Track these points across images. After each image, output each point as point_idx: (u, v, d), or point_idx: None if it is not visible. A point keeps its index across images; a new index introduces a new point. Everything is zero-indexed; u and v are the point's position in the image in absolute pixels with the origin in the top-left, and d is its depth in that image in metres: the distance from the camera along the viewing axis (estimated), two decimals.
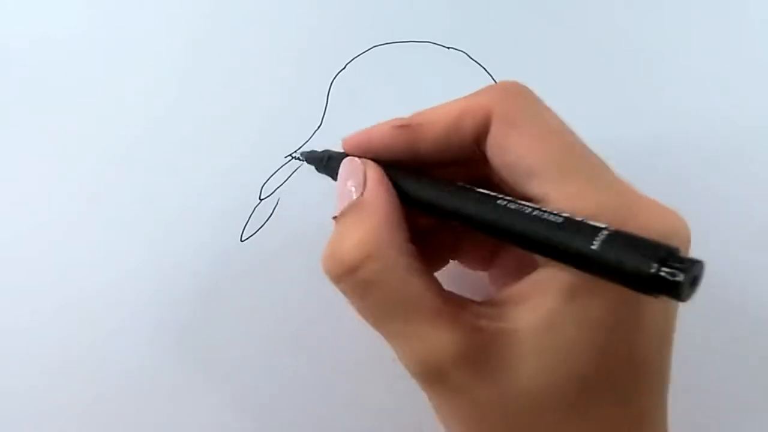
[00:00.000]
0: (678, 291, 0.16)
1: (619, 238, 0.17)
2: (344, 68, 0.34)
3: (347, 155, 0.24)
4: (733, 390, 0.32)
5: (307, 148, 0.34)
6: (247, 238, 0.33)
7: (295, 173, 0.33)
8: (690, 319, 0.24)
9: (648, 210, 0.20)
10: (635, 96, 0.35)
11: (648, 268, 0.16)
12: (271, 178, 0.33)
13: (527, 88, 0.23)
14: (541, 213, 0.19)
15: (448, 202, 0.21)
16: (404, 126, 0.22)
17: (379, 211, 0.21)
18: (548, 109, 0.22)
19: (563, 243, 0.18)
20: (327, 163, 0.26)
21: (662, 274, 0.16)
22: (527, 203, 0.20)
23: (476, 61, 0.34)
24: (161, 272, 0.32)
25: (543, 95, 0.34)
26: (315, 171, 0.27)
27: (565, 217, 0.18)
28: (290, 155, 0.33)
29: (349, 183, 0.22)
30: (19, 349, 0.31)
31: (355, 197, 0.22)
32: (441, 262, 0.28)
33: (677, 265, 0.16)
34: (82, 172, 0.33)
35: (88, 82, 0.34)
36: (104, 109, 0.34)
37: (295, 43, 0.34)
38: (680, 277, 0.16)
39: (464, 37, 0.34)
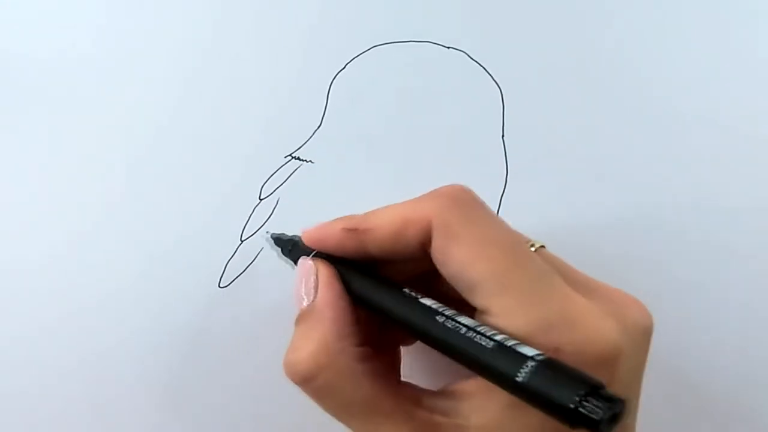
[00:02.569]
0: (597, 427, 0.17)
1: (544, 369, 0.18)
2: (344, 68, 0.34)
3: (307, 248, 0.25)
4: None
5: (307, 148, 0.34)
6: (247, 238, 0.33)
7: (295, 173, 0.33)
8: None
9: (588, 323, 0.20)
10: (635, 96, 0.35)
11: (568, 403, 0.17)
12: (271, 178, 0.33)
13: (469, 194, 0.23)
14: (474, 335, 0.20)
15: (392, 311, 0.22)
16: (352, 230, 0.23)
17: (329, 319, 0.22)
18: (489, 217, 0.23)
19: (492, 369, 0.19)
20: (290, 251, 0.26)
21: (582, 410, 0.17)
22: (464, 322, 0.20)
23: (476, 61, 0.34)
24: (162, 272, 0.32)
25: (543, 95, 0.34)
26: (280, 253, 0.28)
27: (496, 342, 0.19)
28: (290, 155, 0.33)
29: (302, 288, 0.24)
30: (18, 356, 0.31)
31: (306, 304, 0.23)
32: (409, 340, 0.28)
33: (595, 403, 0.17)
34: (82, 173, 0.33)
35: (88, 82, 0.34)
36: (104, 109, 0.34)
37: (295, 43, 0.34)
38: (598, 415, 0.17)
39: (464, 37, 0.34)
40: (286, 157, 0.33)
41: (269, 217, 0.33)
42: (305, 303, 0.23)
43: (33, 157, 0.33)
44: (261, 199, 0.33)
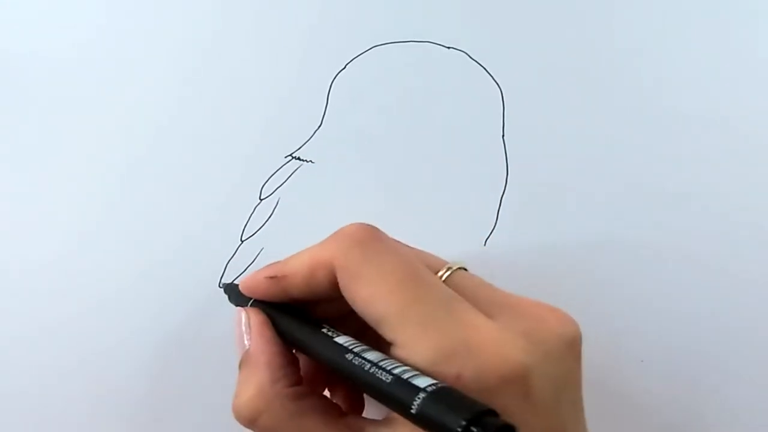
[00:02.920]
0: None
1: (434, 399, 0.19)
2: (344, 68, 0.34)
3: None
4: None
5: (307, 148, 0.34)
6: (247, 238, 0.33)
7: (295, 173, 0.33)
8: None
9: (488, 347, 0.21)
10: (635, 96, 0.35)
11: (456, 429, 0.18)
12: (271, 178, 0.33)
13: (369, 231, 0.24)
14: (377, 370, 0.21)
15: (313, 351, 0.24)
16: (272, 278, 0.25)
17: (262, 365, 0.24)
18: (389, 251, 0.23)
19: (391, 401, 0.20)
20: (235, 298, 0.28)
21: None
22: (369, 357, 0.22)
23: (476, 61, 0.34)
24: (162, 272, 0.32)
25: (543, 95, 0.34)
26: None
27: (394, 376, 0.20)
28: (290, 155, 0.33)
29: (239, 335, 0.26)
30: (18, 356, 0.31)
31: (242, 352, 0.25)
32: None
33: (479, 429, 0.18)
34: (82, 173, 0.33)
35: (88, 82, 0.34)
36: (104, 109, 0.34)
37: (296, 43, 0.34)
38: None
39: (464, 37, 0.34)
40: (286, 157, 0.33)
41: (269, 217, 0.33)
42: (241, 350, 0.25)
43: (33, 157, 0.33)
44: (261, 199, 0.33)
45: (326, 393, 0.27)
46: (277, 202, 0.33)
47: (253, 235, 0.33)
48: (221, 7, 0.34)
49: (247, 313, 0.26)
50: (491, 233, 0.33)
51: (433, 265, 0.25)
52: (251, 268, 0.32)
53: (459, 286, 0.24)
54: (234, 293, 0.28)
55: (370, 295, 0.22)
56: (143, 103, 0.34)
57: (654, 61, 0.35)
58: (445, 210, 0.34)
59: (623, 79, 0.35)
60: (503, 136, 0.34)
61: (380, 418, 0.23)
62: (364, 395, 0.28)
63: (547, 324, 0.23)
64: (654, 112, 0.34)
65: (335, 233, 0.24)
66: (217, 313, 0.32)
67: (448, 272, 0.25)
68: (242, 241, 0.33)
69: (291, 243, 0.33)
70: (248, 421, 0.23)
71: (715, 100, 0.34)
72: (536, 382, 0.21)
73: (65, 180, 0.33)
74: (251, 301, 0.26)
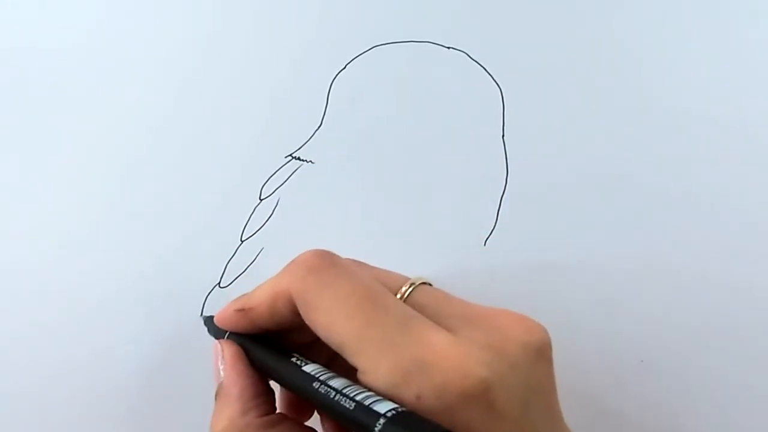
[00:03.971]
0: None
1: (394, 424, 0.20)
2: (344, 68, 0.34)
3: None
4: None
5: (307, 148, 0.34)
6: (247, 239, 0.33)
7: (295, 173, 0.33)
8: None
9: (445, 364, 0.21)
10: (635, 96, 0.35)
11: None
12: (271, 178, 0.33)
13: (322, 258, 0.24)
14: (341, 398, 0.22)
15: (283, 380, 0.25)
16: (240, 310, 0.26)
17: (233, 397, 0.25)
18: (343, 276, 0.24)
19: (355, 428, 0.21)
20: (214, 330, 0.28)
21: None
22: (334, 385, 0.22)
23: (476, 61, 0.34)
24: (162, 272, 0.32)
25: (543, 95, 0.34)
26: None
27: (356, 402, 0.21)
28: (290, 155, 0.33)
29: (215, 367, 0.26)
30: (18, 356, 0.31)
31: (217, 383, 0.26)
32: None
33: None
34: (81, 173, 0.33)
35: (88, 82, 0.34)
36: (103, 109, 0.34)
37: (296, 43, 0.34)
38: None
39: (464, 37, 0.34)
40: (286, 157, 0.33)
41: (269, 217, 0.33)
42: (216, 382, 0.26)
43: (32, 157, 0.33)
44: (261, 199, 0.33)
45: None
46: (277, 202, 0.33)
47: (253, 235, 0.33)
48: (221, 6, 0.34)
49: (221, 345, 0.26)
50: (491, 233, 0.33)
51: (393, 283, 0.25)
52: (251, 268, 0.32)
53: (420, 302, 0.24)
54: (212, 326, 0.28)
55: (328, 322, 0.23)
56: (143, 103, 0.34)
57: (654, 60, 0.35)
58: (445, 210, 0.34)
59: (623, 79, 0.35)
60: (503, 136, 0.34)
61: None
62: None
63: (511, 333, 0.23)
64: (654, 111, 0.34)
65: (291, 262, 0.25)
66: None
67: (411, 288, 0.25)
68: (242, 241, 0.33)
69: (291, 243, 0.33)
70: None
71: (715, 100, 0.34)
72: (500, 394, 0.21)
73: (64, 180, 0.33)
74: (228, 333, 0.27)
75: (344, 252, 0.32)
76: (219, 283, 0.32)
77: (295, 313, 0.24)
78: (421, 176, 0.34)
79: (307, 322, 0.23)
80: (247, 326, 0.26)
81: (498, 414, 0.21)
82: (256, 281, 0.32)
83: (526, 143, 0.34)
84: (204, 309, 0.32)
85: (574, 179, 0.34)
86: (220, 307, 0.32)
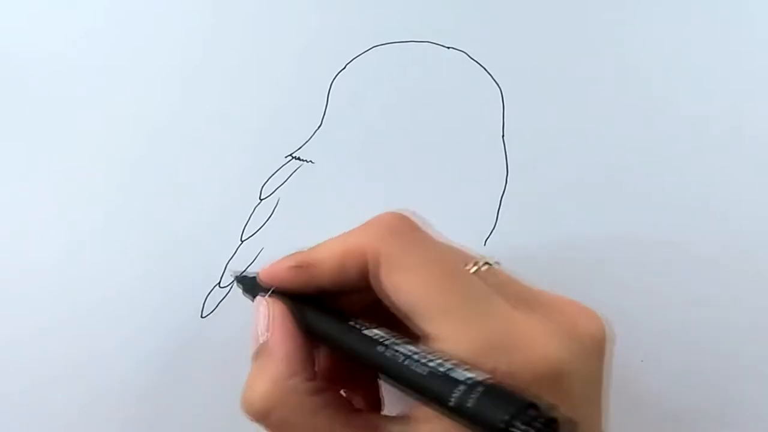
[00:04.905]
0: None
1: (476, 392, 0.18)
2: (344, 68, 0.34)
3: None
4: None
5: (307, 148, 0.34)
6: (247, 239, 0.33)
7: (295, 173, 0.33)
8: None
9: (526, 343, 0.21)
10: (636, 95, 0.35)
11: (499, 423, 0.17)
12: (271, 178, 0.33)
13: (404, 220, 0.24)
14: (411, 363, 0.20)
15: (340, 343, 0.23)
16: (297, 267, 0.24)
17: (279, 359, 0.23)
18: (425, 242, 0.23)
19: (427, 395, 0.20)
20: (252, 288, 0.27)
21: (513, 430, 0.17)
22: (402, 350, 0.21)
23: (476, 61, 0.34)
24: (162, 272, 0.32)
25: (543, 95, 0.34)
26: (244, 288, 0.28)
27: (430, 369, 0.20)
28: (290, 155, 0.33)
29: (258, 326, 0.25)
30: (18, 356, 0.31)
31: (261, 341, 0.24)
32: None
33: (526, 422, 0.17)
34: (81, 173, 0.33)
35: (87, 82, 0.34)
36: (103, 109, 0.34)
37: (296, 43, 0.34)
38: None
39: (464, 37, 0.34)
40: (286, 157, 0.33)
41: (269, 217, 0.33)
42: (261, 339, 0.24)
43: (31, 158, 0.33)
44: (261, 199, 0.33)
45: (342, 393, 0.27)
46: (277, 202, 0.33)
47: (253, 235, 0.33)
48: (221, 6, 0.34)
49: (268, 303, 0.25)
50: (491, 233, 0.33)
51: (464, 258, 0.25)
52: (251, 268, 0.32)
53: (490, 281, 0.24)
54: (249, 284, 0.27)
55: (406, 285, 0.22)
56: (143, 103, 0.34)
57: (654, 60, 0.35)
58: (445, 210, 0.34)
59: (623, 79, 0.35)
60: (503, 136, 0.34)
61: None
62: (381, 394, 0.27)
63: (581, 321, 0.23)
64: (654, 111, 0.34)
65: (370, 221, 0.24)
66: (217, 314, 0.32)
67: (482, 265, 0.25)
68: (242, 241, 0.33)
69: (291, 243, 0.33)
70: (260, 415, 0.23)
71: (716, 100, 0.34)
72: (571, 382, 0.21)
73: (64, 180, 0.33)
74: (270, 292, 0.25)
75: None
76: (219, 283, 0.32)
77: (362, 274, 0.23)
78: (421, 176, 0.34)
79: (381, 284, 0.22)
80: (303, 284, 0.24)
81: (562, 399, 0.20)
82: None
83: (526, 143, 0.34)
84: (204, 308, 0.32)
85: (574, 179, 0.34)
86: (220, 306, 0.32)
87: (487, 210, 0.34)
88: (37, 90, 0.33)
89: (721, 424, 0.33)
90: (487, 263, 0.25)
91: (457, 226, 0.33)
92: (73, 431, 0.31)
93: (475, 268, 0.24)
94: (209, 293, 0.32)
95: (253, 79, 0.34)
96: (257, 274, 0.26)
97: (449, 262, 0.23)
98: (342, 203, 0.33)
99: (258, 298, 0.25)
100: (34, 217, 0.32)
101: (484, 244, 0.33)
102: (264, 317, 0.24)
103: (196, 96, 0.34)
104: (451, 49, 0.35)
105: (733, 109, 0.34)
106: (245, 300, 0.32)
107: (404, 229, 0.23)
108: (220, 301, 0.32)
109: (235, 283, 0.29)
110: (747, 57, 0.35)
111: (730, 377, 0.33)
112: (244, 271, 0.32)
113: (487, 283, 0.23)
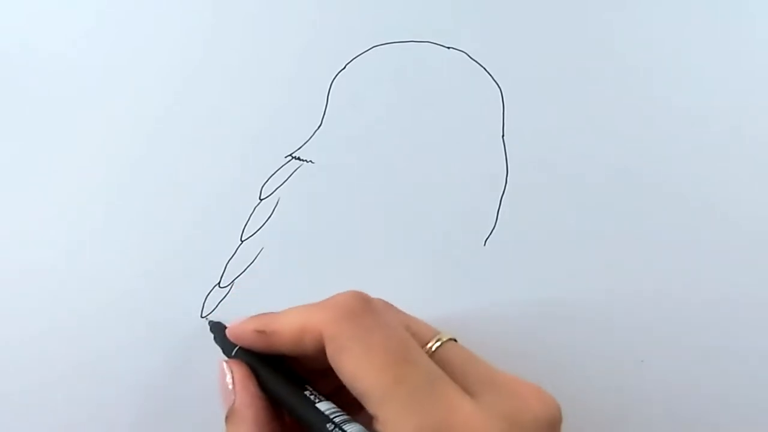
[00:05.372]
0: None
1: None
2: (344, 68, 0.34)
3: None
4: None
5: (307, 148, 0.34)
6: (247, 238, 0.33)
7: (295, 173, 0.33)
8: None
9: (470, 430, 0.22)
10: (636, 95, 0.35)
11: None
12: (271, 178, 0.33)
13: (360, 302, 0.24)
14: None
15: (295, 412, 0.25)
16: (260, 332, 0.26)
17: (249, 421, 0.25)
18: (379, 325, 0.24)
19: None
20: (221, 339, 0.28)
21: None
22: (350, 429, 0.22)
23: (476, 61, 0.34)
24: (162, 272, 0.32)
25: (543, 95, 0.34)
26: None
27: None
28: (290, 155, 0.33)
29: (224, 389, 0.26)
30: (18, 356, 0.31)
31: (228, 406, 0.26)
32: None
33: None
34: (81, 173, 0.33)
35: (87, 82, 0.34)
36: (102, 109, 0.34)
37: (295, 43, 0.34)
38: None
39: (464, 37, 0.35)
40: (286, 157, 0.33)
41: (269, 217, 0.33)
42: (227, 404, 0.26)
43: (31, 158, 0.33)
44: (261, 199, 0.33)
45: None
46: (277, 202, 0.33)
47: (253, 235, 0.33)
48: (221, 6, 0.34)
49: (230, 366, 0.27)
50: (491, 233, 0.33)
51: (422, 334, 0.26)
52: (251, 268, 0.32)
53: (446, 359, 0.25)
54: (220, 334, 0.28)
55: (354, 370, 0.23)
56: (142, 103, 0.34)
57: (655, 60, 0.35)
58: (445, 210, 0.34)
59: (623, 79, 0.35)
60: (503, 136, 0.34)
61: None
62: None
63: (528, 405, 0.23)
64: (655, 111, 0.34)
65: (327, 300, 0.25)
66: (217, 314, 0.32)
67: (438, 343, 0.26)
68: (242, 241, 0.33)
69: (291, 243, 0.33)
70: None
71: (716, 100, 0.35)
72: None
73: (63, 180, 0.33)
74: (237, 349, 0.27)
75: (344, 251, 0.32)
76: (219, 283, 0.32)
77: (320, 349, 0.24)
78: (421, 176, 0.34)
79: (332, 365, 0.24)
80: (264, 348, 0.26)
81: None
82: (256, 281, 0.32)
83: (526, 143, 0.34)
84: (204, 308, 0.32)
85: (574, 179, 0.34)
86: (219, 307, 0.32)
87: (487, 210, 0.34)
88: (37, 90, 0.33)
89: (721, 425, 0.33)
90: (450, 339, 0.26)
91: (458, 226, 0.34)
92: (73, 431, 0.31)
93: (437, 344, 0.25)
94: (209, 293, 0.32)
95: (253, 79, 0.34)
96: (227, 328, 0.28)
97: (398, 347, 0.23)
98: (342, 203, 0.33)
99: (221, 361, 0.27)
100: (34, 217, 0.32)
101: (484, 244, 0.33)
102: (229, 379, 0.26)
103: (196, 96, 0.34)
104: (451, 49, 0.35)
105: (733, 109, 0.34)
106: (245, 300, 0.32)
107: (358, 312, 0.24)
108: (220, 301, 0.32)
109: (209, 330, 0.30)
110: (747, 57, 0.35)
111: (731, 377, 0.33)
112: (240, 275, 0.32)
113: (444, 362, 0.24)
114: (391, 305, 0.28)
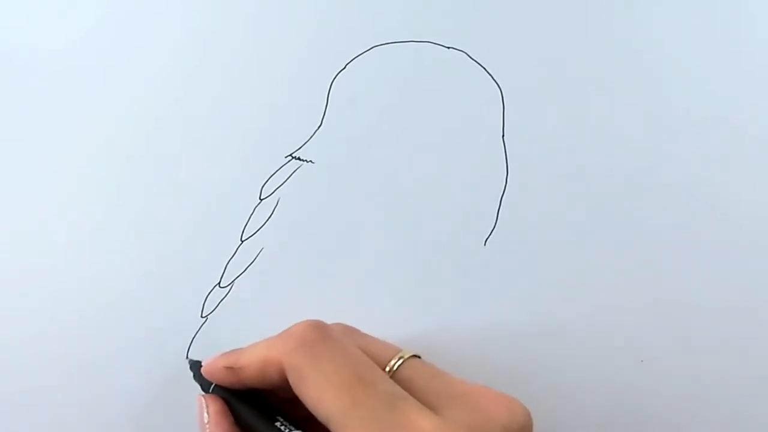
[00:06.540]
0: None
1: None
2: (344, 68, 0.34)
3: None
4: None
5: (307, 148, 0.34)
6: (247, 238, 0.33)
7: (295, 173, 0.33)
8: None
9: None
10: (636, 95, 0.35)
11: None
12: (271, 178, 0.33)
13: (316, 331, 0.25)
14: None
15: None
16: (229, 368, 0.27)
17: None
18: (336, 351, 0.24)
19: None
20: (199, 377, 0.29)
21: None
22: None
23: (476, 61, 0.34)
24: (162, 272, 0.32)
25: (543, 95, 0.34)
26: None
27: None
28: (290, 155, 0.33)
29: (201, 424, 0.27)
30: (17, 357, 0.31)
31: None
32: None
33: None
34: (80, 173, 0.33)
35: (87, 82, 0.34)
36: (102, 109, 0.34)
37: (295, 43, 0.34)
38: None
39: (464, 37, 0.35)
40: (286, 157, 0.33)
41: (269, 217, 0.33)
42: None
43: (31, 158, 0.33)
44: (261, 199, 0.33)
45: None
46: (277, 202, 0.33)
47: (253, 235, 0.33)
48: (221, 6, 0.34)
49: (205, 401, 0.27)
50: (491, 233, 0.33)
51: (383, 354, 0.26)
52: (251, 268, 0.32)
53: (408, 377, 0.25)
54: (198, 372, 0.29)
55: (316, 397, 0.23)
56: (142, 103, 0.34)
57: (655, 60, 0.35)
58: (445, 210, 0.34)
59: (624, 79, 0.35)
60: (503, 136, 0.34)
61: None
62: None
63: (493, 415, 0.23)
64: (655, 111, 0.34)
65: (285, 331, 0.26)
66: (217, 314, 0.32)
67: (400, 361, 0.26)
68: (242, 241, 0.33)
69: (291, 243, 0.33)
70: None
71: (717, 100, 0.34)
72: None
73: (63, 181, 0.33)
74: (213, 385, 0.28)
75: (344, 251, 0.32)
76: (219, 283, 0.32)
77: (284, 379, 0.25)
78: (421, 176, 0.34)
79: (296, 393, 0.24)
80: (235, 383, 0.27)
81: None
82: (256, 281, 0.32)
83: (526, 143, 0.34)
84: (204, 308, 0.32)
85: (574, 179, 0.34)
86: (220, 306, 0.32)
87: (487, 210, 0.34)
88: (37, 90, 0.33)
89: (721, 425, 0.33)
90: (413, 356, 0.26)
91: (458, 226, 0.34)
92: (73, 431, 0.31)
93: (399, 362, 0.26)
94: (209, 293, 0.32)
95: (253, 79, 0.34)
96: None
97: (354, 371, 0.24)
98: (342, 203, 0.33)
99: (198, 396, 0.28)
100: (34, 217, 0.32)
101: (484, 244, 0.33)
102: (203, 413, 0.27)
103: (196, 96, 0.34)
104: (451, 49, 0.35)
105: (733, 110, 0.34)
106: (245, 300, 0.32)
107: (315, 340, 0.25)
108: (220, 301, 0.32)
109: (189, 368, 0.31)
110: (747, 57, 0.35)
111: (731, 377, 0.33)
112: (240, 275, 0.32)
113: (405, 380, 0.25)
114: (351, 329, 0.29)
